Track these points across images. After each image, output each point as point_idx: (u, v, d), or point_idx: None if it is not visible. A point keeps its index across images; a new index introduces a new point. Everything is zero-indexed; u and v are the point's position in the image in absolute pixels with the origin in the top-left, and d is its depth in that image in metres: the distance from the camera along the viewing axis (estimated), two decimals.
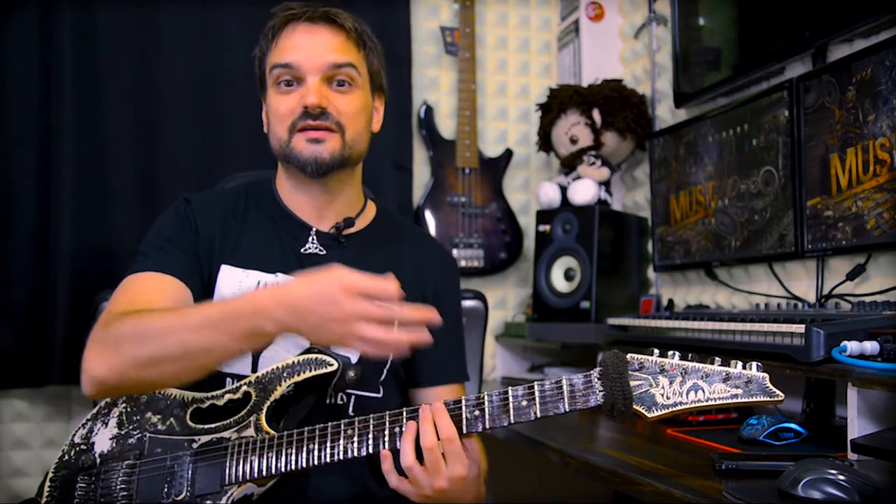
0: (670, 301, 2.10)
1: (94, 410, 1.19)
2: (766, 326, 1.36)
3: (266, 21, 1.29)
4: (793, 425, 1.31)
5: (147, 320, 1.03)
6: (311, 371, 1.12)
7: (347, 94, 1.24)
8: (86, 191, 2.10)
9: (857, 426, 1.15)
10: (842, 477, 0.92)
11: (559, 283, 2.22)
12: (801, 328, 1.26)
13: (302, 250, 1.27)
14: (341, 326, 0.96)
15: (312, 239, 1.28)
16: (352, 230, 1.31)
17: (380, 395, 1.25)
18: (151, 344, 1.01)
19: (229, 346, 1.00)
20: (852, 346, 1.19)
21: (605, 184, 2.27)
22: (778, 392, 0.93)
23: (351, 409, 1.23)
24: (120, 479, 1.11)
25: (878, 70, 1.41)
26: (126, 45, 2.17)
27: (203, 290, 1.23)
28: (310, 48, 1.22)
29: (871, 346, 1.18)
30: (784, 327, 1.31)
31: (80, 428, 1.18)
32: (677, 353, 0.97)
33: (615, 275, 2.21)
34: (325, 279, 0.97)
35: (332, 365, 1.12)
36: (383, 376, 1.26)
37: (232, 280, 1.23)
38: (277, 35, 1.24)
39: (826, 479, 0.92)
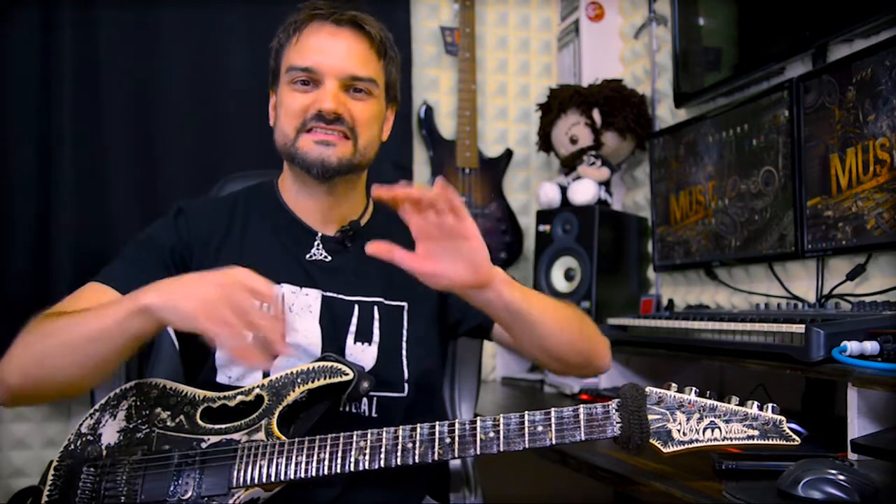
0: (670, 301, 2.10)
1: (103, 401, 1.17)
2: (766, 326, 1.36)
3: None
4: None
5: (51, 319, 1.05)
6: (325, 379, 1.11)
7: (363, 101, 1.21)
8: (86, 190, 2.10)
9: (857, 426, 1.15)
10: (842, 477, 0.92)
11: (559, 283, 2.22)
12: (801, 328, 1.26)
13: (307, 257, 1.25)
14: (215, 300, 0.94)
15: (318, 245, 1.26)
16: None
17: (404, 395, 1.23)
18: (49, 338, 1.03)
19: (110, 327, 0.98)
20: (852, 346, 1.19)
21: (605, 184, 2.27)
22: (794, 436, 0.94)
23: (373, 411, 1.21)
24: (126, 473, 1.10)
25: (878, 70, 1.41)
26: (126, 44, 2.17)
27: None
28: (332, 53, 1.18)
29: (871, 346, 1.18)
30: (784, 327, 1.31)
31: (87, 418, 1.16)
32: (695, 390, 0.97)
33: (615, 275, 2.21)
34: (223, 273, 0.98)
35: (347, 374, 1.11)
36: (406, 374, 1.24)
37: None
38: (300, 31, 1.21)
39: (826, 479, 0.92)
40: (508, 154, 2.61)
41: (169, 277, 1.14)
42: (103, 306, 1.02)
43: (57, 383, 1.05)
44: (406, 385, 1.24)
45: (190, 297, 0.96)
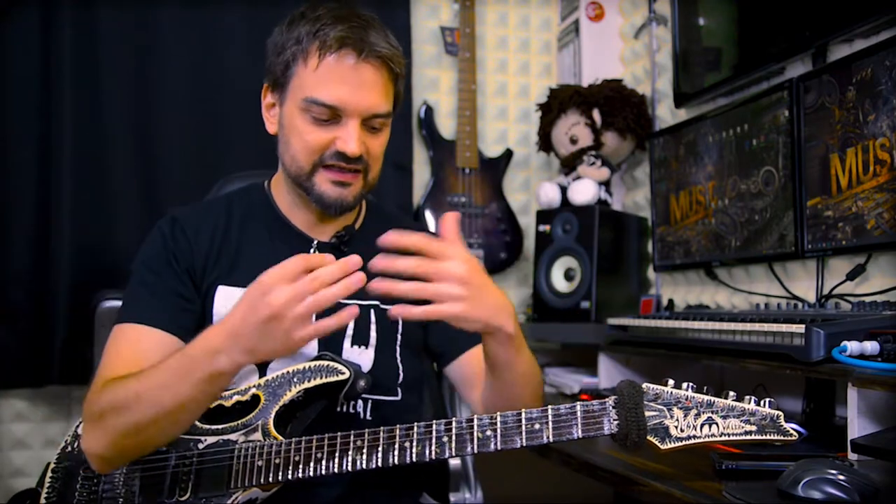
0: (670, 301, 2.10)
1: None
2: (766, 326, 1.35)
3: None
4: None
5: (120, 390, 1.03)
6: (321, 378, 1.11)
7: (379, 135, 1.20)
8: (86, 191, 2.10)
9: (857, 426, 1.15)
10: (842, 477, 0.92)
11: (559, 283, 2.22)
12: (801, 328, 1.26)
13: None
14: (278, 325, 0.94)
15: (314, 251, 1.25)
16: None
17: (398, 398, 1.24)
18: (129, 413, 1.01)
19: (196, 396, 1.00)
20: (852, 346, 1.19)
21: (605, 184, 2.27)
22: (792, 431, 0.93)
23: (368, 413, 1.21)
24: (123, 475, 1.10)
25: (878, 70, 1.41)
26: (126, 44, 2.17)
27: (198, 309, 1.21)
28: (355, 90, 1.14)
29: (871, 346, 1.18)
30: (784, 327, 1.31)
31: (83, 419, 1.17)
32: (692, 386, 0.97)
33: (615, 275, 2.21)
34: (249, 289, 0.97)
35: (343, 374, 1.11)
36: (401, 378, 1.25)
37: (230, 301, 1.16)
38: (322, 56, 1.14)
39: (826, 479, 0.92)
40: (508, 154, 2.61)
41: (195, 291, 1.18)
42: (178, 367, 1.00)
43: (156, 444, 1.07)
44: (399, 389, 1.25)
45: (256, 350, 0.97)
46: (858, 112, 1.45)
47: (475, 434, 1.00)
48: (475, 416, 1.01)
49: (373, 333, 1.23)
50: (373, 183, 1.23)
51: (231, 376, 1.01)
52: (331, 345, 1.20)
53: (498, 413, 1.00)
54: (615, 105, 2.23)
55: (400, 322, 1.26)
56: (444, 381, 1.62)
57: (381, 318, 1.25)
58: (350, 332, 1.22)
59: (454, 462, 1.50)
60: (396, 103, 1.24)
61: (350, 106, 1.15)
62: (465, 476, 1.51)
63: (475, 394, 1.26)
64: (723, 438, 0.94)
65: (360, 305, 1.22)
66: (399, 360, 1.25)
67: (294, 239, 1.26)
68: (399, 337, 1.26)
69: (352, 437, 1.04)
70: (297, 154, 1.18)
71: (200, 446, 1.10)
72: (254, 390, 1.13)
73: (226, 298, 1.20)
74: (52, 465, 1.16)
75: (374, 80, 1.16)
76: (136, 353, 1.11)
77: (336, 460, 1.03)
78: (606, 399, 0.98)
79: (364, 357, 1.22)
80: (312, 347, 1.19)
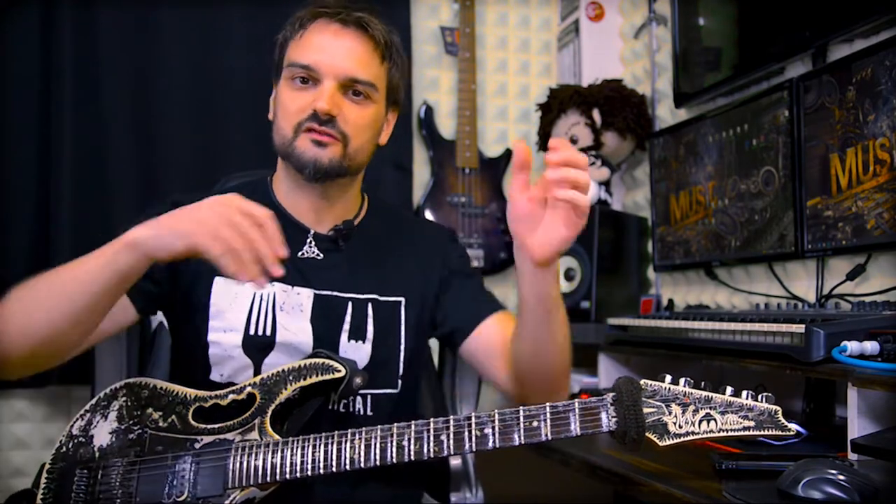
0: (670, 301, 2.10)
1: (93, 401, 1.16)
2: (766, 326, 1.36)
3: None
4: (793, 425, 1.31)
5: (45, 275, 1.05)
6: (317, 376, 1.11)
7: (361, 106, 1.20)
8: (86, 191, 2.10)
9: (857, 426, 1.15)
10: (842, 477, 0.92)
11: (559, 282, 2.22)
12: (801, 328, 1.26)
13: (299, 255, 1.24)
14: (211, 219, 0.97)
15: (311, 242, 1.25)
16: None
17: (397, 390, 1.24)
18: (37, 287, 1.08)
19: (96, 269, 1.03)
20: (852, 346, 1.19)
21: (606, 184, 2.27)
22: (789, 426, 0.94)
23: (368, 408, 1.21)
24: (120, 476, 1.10)
25: (878, 70, 1.41)
26: (126, 44, 2.18)
27: (183, 298, 1.21)
28: (333, 52, 1.17)
29: (871, 346, 1.18)
30: (784, 327, 1.31)
31: (77, 419, 1.16)
32: (690, 381, 0.97)
33: (615, 275, 2.21)
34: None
35: (339, 371, 1.11)
36: (401, 370, 1.24)
37: (227, 293, 1.20)
38: (305, 28, 1.20)
39: (826, 479, 0.92)
40: (508, 154, 2.61)
41: (172, 273, 1.18)
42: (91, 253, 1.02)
43: (42, 336, 1.05)
44: (399, 381, 1.25)
45: (185, 220, 0.99)
46: (858, 112, 1.45)
47: (473, 432, 1.00)
48: (473, 413, 1.01)
49: (370, 328, 1.23)
50: (355, 157, 1.20)
51: (138, 255, 1.02)
52: (327, 338, 1.20)
53: (496, 411, 1.00)
54: (615, 105, 2.24)
55: (402, 313, 1.26)
56: (445, 377, 1.62)
57: (379, 311, 1.24)
58: (347, 326, 1.21)
59: (455, 462, 1.50)
60: (391, 85, 1.24)
61: (324, 66, 1.16)
62: (465, 476, 1.51)
63: (500, 364, 1.24)
64: (721, 434, 0.94)
65: (357, 299, 1.23)
66: (401, 352, 1.25)
67: (290, 228, 1.23)
68: (402, 328, 1.25)
69: (349, 437, 1.03)
70: (281, 121, 1.20)
71: (197, 446, 1.09)
72: (249, 389, 1.13)
73: (223, 290, 1.20)
74: (47, 466, 1.15)
75: (352, 46, 1.18)
76: None
77: (334, 460, 1.03)
78: (605, 396, 0.98)
79: (361, 351, 1.22)
80: (308, 343, 1.19)
